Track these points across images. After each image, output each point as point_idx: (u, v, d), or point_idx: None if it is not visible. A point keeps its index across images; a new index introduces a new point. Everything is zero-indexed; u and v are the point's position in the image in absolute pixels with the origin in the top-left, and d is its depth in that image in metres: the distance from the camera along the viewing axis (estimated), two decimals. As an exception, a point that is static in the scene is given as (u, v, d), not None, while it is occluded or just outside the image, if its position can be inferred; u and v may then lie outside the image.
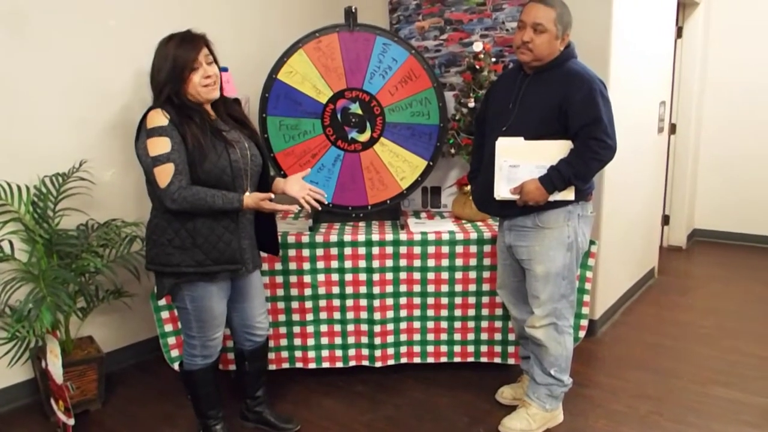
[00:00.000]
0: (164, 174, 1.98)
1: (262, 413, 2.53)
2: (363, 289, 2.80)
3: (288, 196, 2.28)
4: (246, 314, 2.38)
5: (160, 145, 1.98)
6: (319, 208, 2.37)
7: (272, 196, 2.07)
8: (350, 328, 2.85)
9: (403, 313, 2.85)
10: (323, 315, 2.84)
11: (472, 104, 2.94)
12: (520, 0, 3.35)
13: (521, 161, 2.29)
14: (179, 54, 2.02)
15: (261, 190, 2.23)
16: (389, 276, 2.80)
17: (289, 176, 2.33)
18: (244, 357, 2.47)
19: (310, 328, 2.84)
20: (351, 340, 2.87)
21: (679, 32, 4.99)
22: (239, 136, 2.19)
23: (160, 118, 2.00)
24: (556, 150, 2.27)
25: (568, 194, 2.28)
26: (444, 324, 2.87)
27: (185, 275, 2.10)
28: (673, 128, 5.11)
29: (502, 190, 2.33)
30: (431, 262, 2.79)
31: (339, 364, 2.89)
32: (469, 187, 3.00)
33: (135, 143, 2.10)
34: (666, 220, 5.35)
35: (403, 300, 2.84)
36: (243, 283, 2.32)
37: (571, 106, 2.21)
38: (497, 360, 2.94)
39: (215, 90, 2.11)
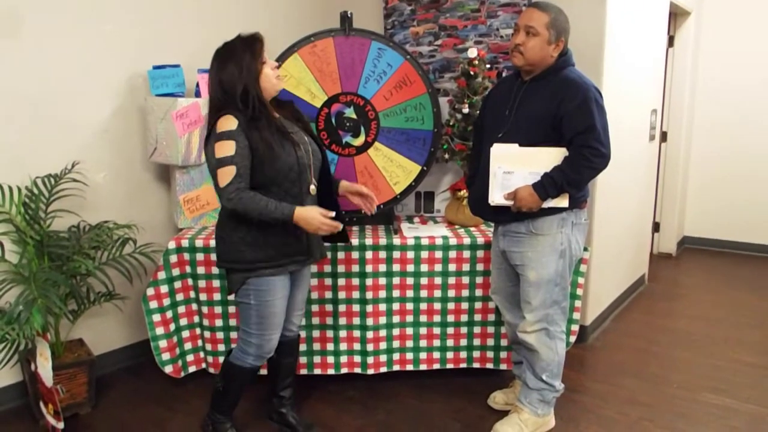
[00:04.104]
0: (225, 175, 2.05)
1: (285, 415, 2.53)
2: (356, 294, 2.80)
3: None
4: (287, 305, 2.37)
5: (225, 148, 2.05)
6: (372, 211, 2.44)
7: (332, 214, 2.11)
8: (342, 334, 2.85)
9: (396, 318, 2.85)
10: (315, 320, 2.84)
11: (466, 110, 2.95)
12: (514, 7, 3.37)
13: (515, 168, 2.30)
14: (250, 49, 2.11)
15: (323, 182, 2.32)
16: (382, 281, 2.80)
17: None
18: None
19: (302, 334, 2.83)
20: (343, 346, 2.86)
21: (671, 41, 5.04)
22: (301, 133, 2.27)
23: (229, 123, 2.07)
24: (550, 157, 2.28)
25: (562, 201, 2.29)
26: (437, 330, 2.87)
27: (255, 270, 2.17)
28: (664, 136, 5.16)
29: (496, 196, 2.34)
30: (424, 267, 2.80)
31: (331, 371, 2.89)
32: (462, 192, 3.02)
33: (204, 147, 2.17)
34: (656, 227, 5.39)
35: (395, 306, 2.84)
36: (297, 274, 2.35)
37: (565, 114, 2.22)
38: (489, 365, 2.94)
39: (283, 82, 2.23)
